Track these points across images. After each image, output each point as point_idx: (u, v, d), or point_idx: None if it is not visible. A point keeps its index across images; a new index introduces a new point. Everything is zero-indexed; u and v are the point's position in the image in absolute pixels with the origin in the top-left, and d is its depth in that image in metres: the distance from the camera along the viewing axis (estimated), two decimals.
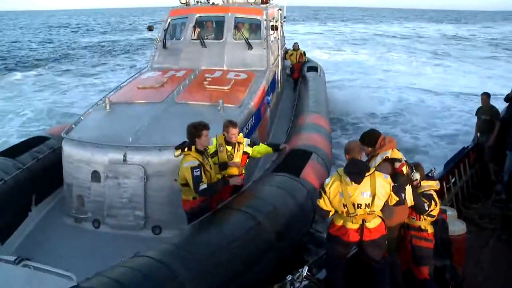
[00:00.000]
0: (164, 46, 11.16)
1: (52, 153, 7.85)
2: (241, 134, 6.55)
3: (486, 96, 9.74)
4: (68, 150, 7.06)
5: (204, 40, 10.84)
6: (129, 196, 6.63)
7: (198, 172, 5.35)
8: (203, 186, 5.37)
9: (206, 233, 4.78)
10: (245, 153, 6.46)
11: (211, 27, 11.83)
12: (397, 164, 4.80)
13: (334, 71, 26.13)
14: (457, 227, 5.68)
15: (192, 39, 11.02)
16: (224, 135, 6.31)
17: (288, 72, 16.16)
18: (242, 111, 8.07)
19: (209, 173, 5.61)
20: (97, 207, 6.82)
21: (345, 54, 38.58)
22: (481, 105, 9.86)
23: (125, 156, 6.61)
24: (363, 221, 4.53)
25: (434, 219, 5.07)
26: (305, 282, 4.04)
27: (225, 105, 7.94)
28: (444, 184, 7.89)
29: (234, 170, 6.41)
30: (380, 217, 4.62)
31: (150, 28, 11.68)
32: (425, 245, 5.05)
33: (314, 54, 26.88)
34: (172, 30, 11.70)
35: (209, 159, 5.73)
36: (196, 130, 5.57)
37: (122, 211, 6.68)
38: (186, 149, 5.51)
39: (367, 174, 4.44)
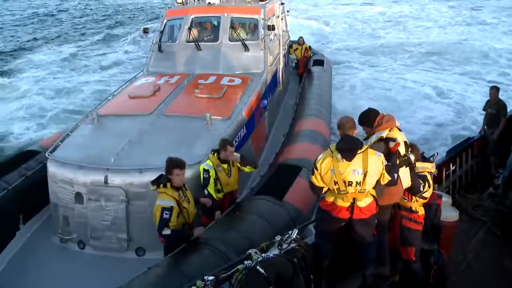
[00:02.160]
0: (160, 49, 10.94)
1: (42, 168, 7.79)
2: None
3: (495, 90, 9.56)
4: (52, 170, 7.01)
5: (199, 43, 10.57)
6: (111, 218, 6.56)
7: (168, 216, 5.19)
8: (167, 231, 5.20)
9: (169, 274, 4.64)
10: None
11: (209, 28, 11.56)
12: (392, 144, 4.64)
13: None
14: (449, 214, 5.70)
15: (187, 41, 10.77)
16: (218, 153, 6.34)
17: (293, 66, 15.81)
18: (232, 123, 7.86)
19: (185, 209, 5.45)
20: (82, 228, 6.78)
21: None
22: (489, 98, 9.71)
23: (106, 178, 6.51)
24: (354, 199, 4.44)
25: (425, 201, 5.03)
26: (293, 244, 4.03)
27: (213, 117, 7.75)
28: (444, 171, 7.89)
29: (232, 186, 6.48)
30: (373, 195, 4.54)
31: (145, 31, 11.51)
32: (414, 226, 5.02)
33: None
34: (170, 32, 11.47)
35: (187, 192, 5.56)
36: (168, 167, 5.39)
37: (105, 233, 6.62)
38: (161, 185, 5.33)
39: (359, 151, 4.32)
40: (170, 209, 5.21)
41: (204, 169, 6.26)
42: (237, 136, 7.96)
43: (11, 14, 39.70)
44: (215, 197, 6.27)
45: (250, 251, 3.93)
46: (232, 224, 5.69)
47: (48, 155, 7.17)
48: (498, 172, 9.06)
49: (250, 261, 3.72)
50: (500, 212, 7.70)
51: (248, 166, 6.58)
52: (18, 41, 29.29)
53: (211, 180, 6.24)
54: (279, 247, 3.99)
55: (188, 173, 6.52)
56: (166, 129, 7.60)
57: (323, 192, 4.62)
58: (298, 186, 6.81)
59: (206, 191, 6.25)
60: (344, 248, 5.01)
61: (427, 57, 23.07)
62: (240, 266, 3.69)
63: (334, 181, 4.39)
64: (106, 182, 6.52)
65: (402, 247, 5.12)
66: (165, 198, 5.27)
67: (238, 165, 6.49)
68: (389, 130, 4.72)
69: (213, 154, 6.36)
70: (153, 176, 5.68)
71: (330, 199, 4.57)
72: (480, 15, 33.65)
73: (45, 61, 24.08)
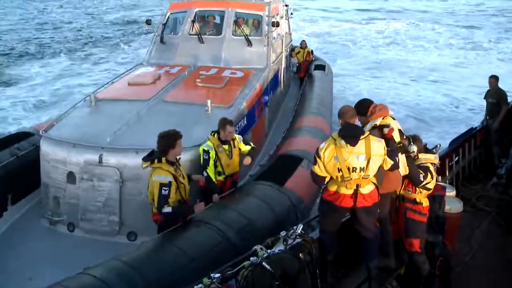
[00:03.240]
0: (162, 40, 10.77)
1: (34, 151, 7.53)
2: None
3: (494, 79, 9.54)
4: (45, 149, 6.77)
5: (202, 36, 10.41)
6: (104, 199, 6.31)
7: (167, 192, 4.94)
8: (167, 209, 4.95)
9: (163, 250, 4.40)
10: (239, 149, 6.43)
11: (212, 22, 11.41)
12: (385, 130, 4.74)
13: None
14: (453, 205, 5.69)
15: (190, 34, 10.61)
16: (218, 134, 6.20)
17: (294, 70, 15.67)
18: (232, 112, 7.65)
19: (182, 184, 5.20)
20: (72, 210, 6.51)
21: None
22: (488, 88, 9.68)
23: (100, 157, 6.28)
24: (357, 186, 4.45)
25: (429, 192, 5.05)
26: (298, 240, 4.03)
27: (214, 105, 7.55)
28: (447, 162, 7.86)
29: (233, 168, 6.29)
30: (374, 183, 4.55)
31: (148, 22, 11.33)
32: (418, 218, 5.04)
33: None
34: (172, 25, 11.31)
35: (181, 168, 5.31)
36: (170, 139, 5.16)
37: (97, 215, 6.36)
38: (156, 161, 5.07)
39: (361, 137, 4.37)
40: (169, 184, 4.97)
41: (204, 150, 6.08)
42: (237, 126, 7.74)
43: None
44: (214, 180, 6.05)
45: (255, 247, 3.94)
46: (231, 205, 5.45)
47: (42, 133, 6.93)
48: (501, 162, 9.00)
49: (256, 258, 3.71)
50: (504, 202, 7.69)
51: (247, 146, 6.46)
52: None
53: (211, 162, 6.02)
54: (285, 243, 4.00)
55: (187, 155, 6.34)
56: (165, 114, 7.38)
57: (325, 183, 4.59)
58: (299, 175, 6.59)
59: (205, 173, 6.03)
60: (348, 243, 5.00)
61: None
62: (246, 263, 3.69)
63: (338, 168, 4.39)
64: (100, 161, 6.28)
65: (407, 239, 5.10)
66: (162, 173, 5.02)
67: (240, 146, 6.33)
68: (383, 118, 4.83)
69: (213, 135, 6.18)
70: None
71: (333, 188, 4.56)
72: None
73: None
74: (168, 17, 11.13)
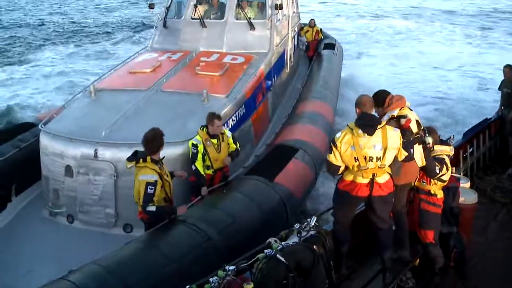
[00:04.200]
0: (165, 25, 10.70)
1: (36, 142, 7.68)
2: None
3: (509, 68, 9.36)
4: (44, 142, 6.91)
5: (204, 20, 10.30)
6: (100, 193, 6.45)
7: (152, 190, 5.02)
8: (152, 208, 5.04)
9: (143, 253, 4.50)
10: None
11: (216, 5, 11.25)
12: (403, 121, 4.74)
13: None
14: (468, 196, 5.68)
15: (193, 18, 10.50)
16: (206, 128, 6.23)
17: (304, 49, 15.43)
18: (229, 101, 7.65)
19: (167, 182, 5.28)
20: (71, 202, 6.68)
21: None
22: (503, 78, 9.50)
23: (96, 152, 6.39)
24: (373, 175, 4.48)
25: (444, 184, 5.06)
26: (312, 232, 4.10)
27: (211, 94, 7.55)
28: (461, 153, 7.80)
29: (222, 162, 6.32)
30: (389, 173, 4.59)
31: (151, 6, 11.23)
32: (433, 210, 5.06)
33: None
34: (177, 8, 11.20)
35: (164, 166, 5.38)
36: (160, 140, 5.24)
37: (94, 208, 6.52)
38: (141, 160, 5.15)
39: (379, 127, 4.40)
40: (154, 183, 5.06)
41: (192, 144, 6.16)
42: (235, 115, 7.75)
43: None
44: (202, 173, 6.13)
45: (270, 239, 3.98)
46: (216, 203, 5.51)
47: (41, 127, 7.07)
48: None
49: (270, 250, 3.75)
50: None
51: (233, 145, 6.46)
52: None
53: (199, 156, 6.09)
54: (298, 235, 4.06)
55: (180, 149, 6.41)
56: (162, 105, 7.43)
57: (339, 173, 4.63)
58: (292, 168, 6.61)
59: (193, 167, 6.11)
60: (363, 234, 5.08)
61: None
62: (260, 255, 3.73)
63: (355, 157, 4.43)
64: (95, 155, 6.40)
65: (422, 230, 5.14)
66: (148, 172, 5.10)
67: (229, 141, 6.36)
68: (400, 109, 4.81)
69: (202, 129, 6.23)
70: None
71: (349, 178, 4.59)
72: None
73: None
74: (172, 0, 11.03)
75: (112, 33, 28.70)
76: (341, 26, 31.46)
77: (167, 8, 10.88)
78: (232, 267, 3.60)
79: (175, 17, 10.92)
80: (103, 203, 6.45)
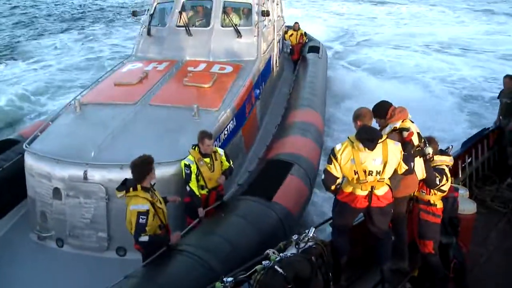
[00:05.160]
0: (149, 33, 10.45)
1: (20, 159, 7.37)
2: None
3: (509, 78, 9.35)
4: (29, 163, 6.64)
5: (189, 28, 10.08)
6: (91, 216, 6.23)
7: (144, 220, 4.83)
8: (144, 238, 4.85)
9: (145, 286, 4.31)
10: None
11: (201, 12, 11.02)
12: (405, 134, 4.74)
13: None
14: (467, 206, 5.68)
15: (178, 26, 10.27)
16: (198, 147, 6.08)
17: (288, 51, 15.33)
18: (220, 115, 7.48)
19: (160, 209, 5.10)
20: (60, 226, 6.43)
21: None
22: (503, 88, 9.52)
23: (85, 173, 6.16)
24: (372, 188, 4.50)
25: (444, 194, 5.07)
26: (310, 243, 4.08)
27: (201, 108, 7.36)
28: (460, 163, 7.82)
29: (216, 181, 6.17)
30: (388, 185, 4.61)
31: (134, 14, 10.96)
32: (432, 220, 5.06)
33: None
34: (160, 15, 10.94)
35: (156, 193, 5.20)
36: (147, 166, 5.02)
37: (85, 231, 6.29)
38: (131, 189, 4.94)
39: (379, 141, 4.39)
40: (146, 213, 4.85)
41: (185, 165, 5.97)
42: (226, 129, 7.59)
43: None
44: (197, 194, 5.97)
45: (268, 251, 3.98)
46: (214, 228, 5.35)
47: (26, 146, 6.78)
48: None
49: (268, 261, 3.76)
50: None
51: (227, 163, 6.31)
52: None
53: (193, 176, 5.92)
54: (297, 246, 4.04)
55: (172, 170, 6.23)
56: (151, 121, 7.21)
57: (336, 183, 4.63)
58: (289, 185, 6.49)
59: (188, 188, 5.94)
60: (362, 245, 5.05)
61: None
62: (258, 266, 3.72)
63: (354, 171, 4.44)
64: (85, 178, 6.16)
65: (421, 241, 5.14)
66: (139, 202, 4.89)
67: (222, 159, 6.21)
68: (402, 121, 4.81)
69: (194, 148, 6.07)
70: None
71: (348, 189, 4.61)
72: None
73: None
74: (155, 7, 10.77)
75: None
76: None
77: (151, 15, 10.63)
78: (230, 279, 3.62)
79: (159, 25, 10.68)
80: (94, 226, 6.23)
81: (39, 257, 6.39)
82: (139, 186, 4.92)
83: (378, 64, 19.93)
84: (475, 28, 27.79)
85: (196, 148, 6.09)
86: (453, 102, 15.41)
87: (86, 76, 18.06)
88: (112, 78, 8.95)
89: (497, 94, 9.75)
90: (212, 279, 4.53)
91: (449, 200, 5.27)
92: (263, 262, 3.72)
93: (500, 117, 9.50)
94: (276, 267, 3.63)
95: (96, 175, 6.15)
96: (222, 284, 3.56)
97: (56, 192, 6.37)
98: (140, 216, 4.80)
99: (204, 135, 6.06)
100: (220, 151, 6.35)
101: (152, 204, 4.95)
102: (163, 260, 4.73)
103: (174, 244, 5.01)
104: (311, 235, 4.15)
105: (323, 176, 4.70)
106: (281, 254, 3.89)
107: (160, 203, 5.14)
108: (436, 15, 33.58)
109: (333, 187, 4.70)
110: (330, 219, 5.21)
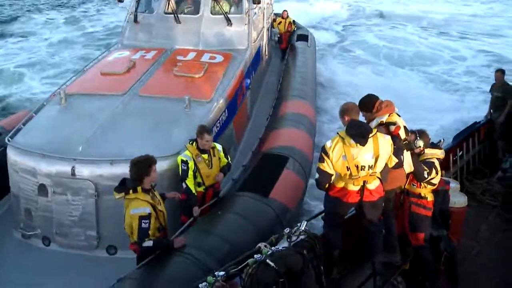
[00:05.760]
0: (135, 20, 10.06)
1: (2, 152, 7.01)
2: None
3: (500, 73, 9.53)
4: (13, 158, 6.30)
5: (178, 15, 9.72)
6: (79, 214, 5.94)
7: (147, 224, 4.55)
8: (148, 243, 4.58)
9: None
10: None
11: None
12: (392, 128, 4.73)
13: None
14: (458, 199, 5.74)
15: (166, 13, 9.91)
16: (196, 142, 5.82)
17: (276, 40, 15.06)
18: (212, 106, 7.23)
19: (161, 212, 4.84)
20: (46, 223, 6.13)
21: None
22: (494, 82, 9.65)
23: (73, 169, 5.85)
24: (364, 182, 4.49)
25: (434, 187, 5.09)
26: (302, 236, 4.07)
27: (193, 99, 7.09)
28: (451, 157, 7.87)
29: (214, 178, 5.95)
30: (379, 179, 4.59)
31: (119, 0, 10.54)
32: (423, 212, 5.10)
33: None
34: (147, 1, 10.52)
35: (156, 193, 4.94)
36: (144, 167, 4.70)
37: (73, 229, 6.01)
38: (131, 191, 4.66)
39: (370, 135, 4.35)
40: (148, 216, 4.58)
41: (182, 161, 5.71)
42: (218, 121, 7.35)
43: None
44: (193, 191, 5.73)
45: (259, 244, 3.97)
46: (212, 227, 5.14)
47: (8, 140, 6.43)
48: (506, 156, 8.95)
49: (260, 255, 3.74)
50: (509, 196, 7.65)
51: (225, 159, 6.09)
52: None
53: (190, 173, 5.67)
54: (288, 240, 4.02)
55: (165, 165, 5.96)
56: (141, 113, 6.91)
57: (330, 181, 4.58)
58: (285, 180, 6.31)
59: (184, 185, 5.69)
60: (353, 239, 5.05)
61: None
62: (250, 260, 3.70)
63: (347, 166, 4.39)
64: (73, 174, 5.86)
65: (412, 233, 5.17)
66: (140, 205, 4.60)
67: (220, 155, 5.97)
68: (389, 115, 4.78)
69: (191, 143, 5.80)
70: (125, 167, 5.02)
71: (340, 185, 4.58)
72: None
73: None
74: None
75: None
76: None
77: (137, 2, 10.23)
78: (221, 273, 3.59)
79: (146, 11, 10.29)
80: (83, 224, 5.95)
81: (23, 256, 6.10)
82: (139, 188, 4.63)
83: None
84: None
85: (194, 144, 5.82)
86: (445, 95, 15.50)
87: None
88: (98, 67, 8.60)
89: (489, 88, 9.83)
90: None
91: (440, 193, 5.30)
92: (255, 256, 3.70)
93: (491, 111, 9.58)
94: (267, 260, 3.62)
95: (84, 171, 5.86)
96: (214, 278, 3.52)
97: (42, 189, 6.05)
98: (143, 221, 4.53)
99: (203, 129, 5.80)
100: (219, 146, 6.09)
101: (153, 206, 4.69)
102: (160, 261, 4.52)
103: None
104: (302, 228, 4.12)
105: (317, 176, 4.62)
106: (272, 248, 3.87)
107: (160, 204, 4.88)
108: None
109: (327, 185, 4.65)
110: (322, 213, 5.18)
